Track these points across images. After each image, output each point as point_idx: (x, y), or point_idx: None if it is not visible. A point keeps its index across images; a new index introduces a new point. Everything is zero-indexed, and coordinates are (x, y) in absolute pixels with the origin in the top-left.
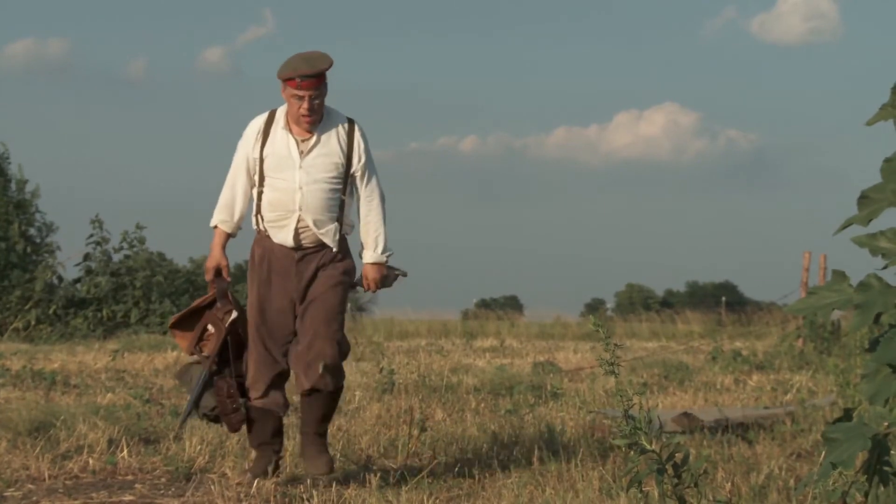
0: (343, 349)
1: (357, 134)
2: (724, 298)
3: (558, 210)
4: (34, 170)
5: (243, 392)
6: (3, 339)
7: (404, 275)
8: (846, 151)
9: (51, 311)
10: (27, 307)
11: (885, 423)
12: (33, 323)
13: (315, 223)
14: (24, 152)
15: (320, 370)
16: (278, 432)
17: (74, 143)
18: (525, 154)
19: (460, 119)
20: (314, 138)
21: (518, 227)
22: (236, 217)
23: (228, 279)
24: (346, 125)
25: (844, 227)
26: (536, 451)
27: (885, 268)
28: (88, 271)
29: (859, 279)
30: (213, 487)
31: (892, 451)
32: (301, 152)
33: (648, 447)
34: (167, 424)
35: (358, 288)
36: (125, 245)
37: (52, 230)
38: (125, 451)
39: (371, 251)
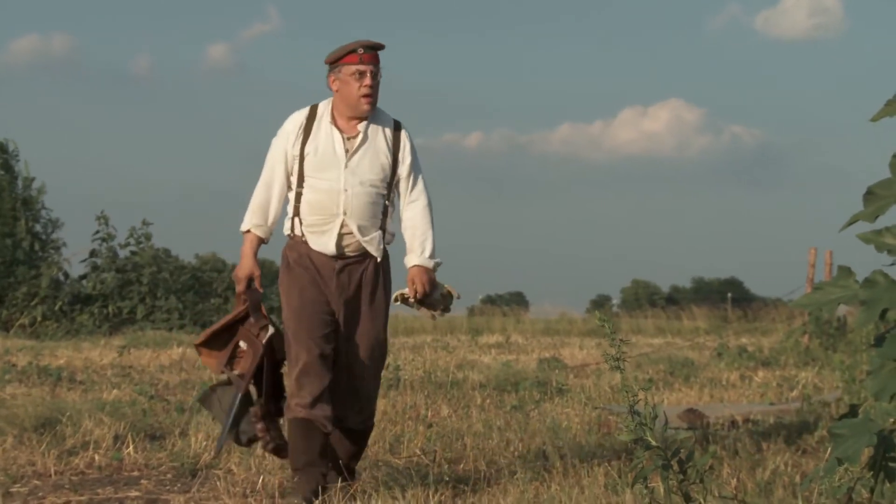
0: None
1: (404, 135)
2: (729, 295)
3: (563, 206)
4: (38, 166)
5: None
6: (10, 336)
7: (457, 296)
8: (852, 148)
9: (57, 308)
10: (33, 303)
11: (891, 419)
12: (39, 319)
13: (360, 229)
14: (28, 149)
15: (357, 409)
16: (325, 450)
17: (78, 139)
18: (529, 150)
19: (465, 116)
20: (361, 135)
21: (523, 223)
22: (271, 220)
23: (261, 290)
24: (392, 125)
25: (850, 223)
26: (542, 447)
27: (891, 264)
28: (94, 268)
29: (865, 276)
30: (218, 483)
31: None
32: (347, 151)
33: (654, 443)
34: (173, 420)
35: (397, 303)
36: (131, 241)
37: (57, 227)
38: (131, 447)
39: (416, 255)
